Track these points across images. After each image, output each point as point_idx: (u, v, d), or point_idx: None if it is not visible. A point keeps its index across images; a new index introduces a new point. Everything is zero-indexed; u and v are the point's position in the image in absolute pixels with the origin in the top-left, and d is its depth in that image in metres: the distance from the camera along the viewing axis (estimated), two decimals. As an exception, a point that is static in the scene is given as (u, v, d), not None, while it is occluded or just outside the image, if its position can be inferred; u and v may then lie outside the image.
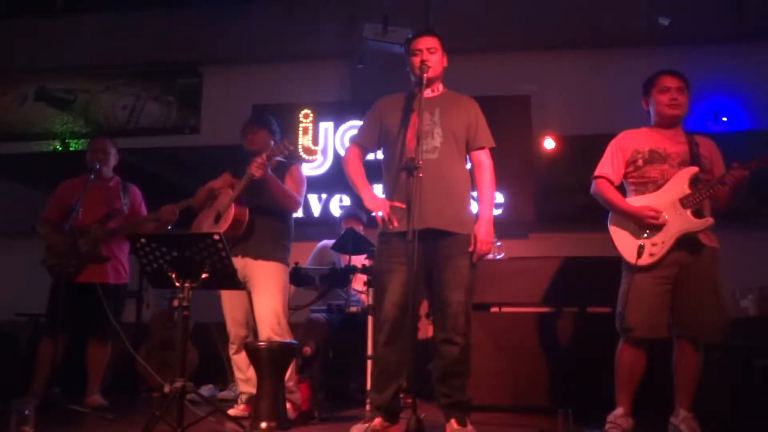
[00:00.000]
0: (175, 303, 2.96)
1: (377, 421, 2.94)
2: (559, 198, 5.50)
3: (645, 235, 3.11)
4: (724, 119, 5.53)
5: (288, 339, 3.45)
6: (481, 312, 3.98)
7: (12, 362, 4.97)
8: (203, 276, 2.90)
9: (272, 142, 3.72)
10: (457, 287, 2.96)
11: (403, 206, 2.91)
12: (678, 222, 3.07)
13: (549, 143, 5.70)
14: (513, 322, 4.09)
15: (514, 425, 3.23)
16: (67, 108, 6.54)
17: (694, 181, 3.11)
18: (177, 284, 2.91)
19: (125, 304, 4.36)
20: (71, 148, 6.42)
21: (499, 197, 5.61)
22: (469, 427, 2.91)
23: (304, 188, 3.80)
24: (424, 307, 3.91)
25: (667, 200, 3.10)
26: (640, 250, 3.05)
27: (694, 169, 3.11)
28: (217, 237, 2.85)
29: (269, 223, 3.62)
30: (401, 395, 3.15)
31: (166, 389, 2.86)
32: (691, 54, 5.51)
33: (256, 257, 3.56)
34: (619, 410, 3.14)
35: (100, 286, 3.90)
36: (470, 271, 3.01)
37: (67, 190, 4.25)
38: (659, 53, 5.42)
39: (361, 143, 3.24)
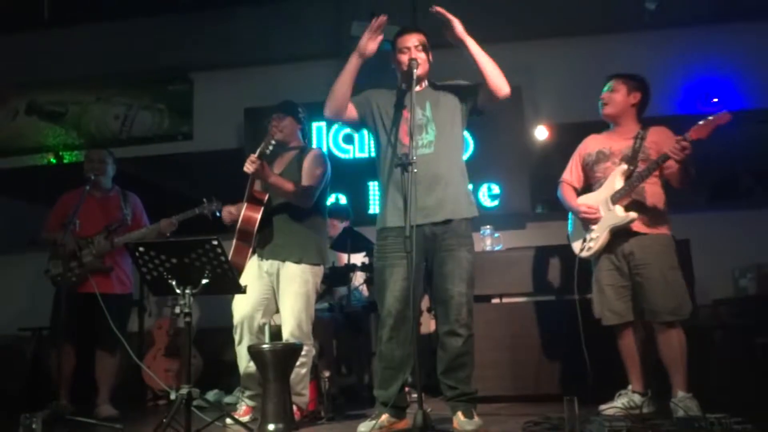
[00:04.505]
0: (177, 310, 2.94)
1: (384, 417, 2.94)
2: (554, 187, 5.47)
3: (585, 230, 3.39)
4: (715, 100, 5.53)
5: (307, 342, 3.45)
6: (481, 303, 3.99)
7: (17, 376, 4.99)
8: (204, 282, 2.91)
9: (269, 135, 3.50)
10: (459, 279, 2.97)
11: None
12: (608, 217, 3.30)
13: (542, 132, 5.71)
14: (514, 313, 4.11)
15: (519, 415, 3.24)
16: (59, 121, 6.52)
17: (628, 177, 3.29)
18: (178, 291, 2.91)
19: (130, 313, 4.37)
20: (65, 161, 6.41)
21: (495, 189, 5.63)
22: (476, 419, 2.92)
23: (322, 172, 3.60)
24: (425, 302, 3.92)
25: (602, 198, 3.35)
26: (583, 244, 3.40)
27: (623, 168, 3.31)
28: (215, 242, 2.85)
29: (294, 221, 3.56)
30: (407, 390, 3.17)
31: (173, 396, 2.87)
32: (680, 36, 5.52)
33: (283, 260, 3.53)
34: (628, 386, 3.35)
35: (106, 297, 3.88)
36: (471, 263, 3.02)
37: (66, 203, 4.26)
38: (648, 37, 5.44)
39: (353, 99, 3.15)
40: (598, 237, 3.32)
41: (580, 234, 3.45)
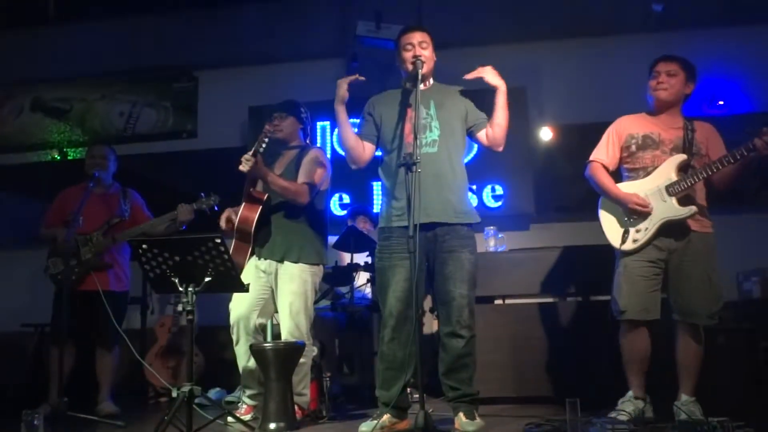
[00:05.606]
0: (180, 308, 2.94)
1: (385, 417, 2.95)
2: (558, 188, 5.49)
3: (629, 220, 3.18)
4: (721, 102, 5.52)
5: (306, 342, 3.43)
6: (484, 305, 3.98)
7: (19, 372, 5.00)
8: (206, 279, 2.91)
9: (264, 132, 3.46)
10: (461, 280, 2.98)
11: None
12: (662, 209, 3.12)
13: (546, 134, 5.70)
14: (516, 314, 4.10)
15: (521, 416, 3.24)
16: (64, 117, 6.53)
17: (683, 168, 3.14)
18: (180, 289, 2.91)
19: (127, 311, 4.36)
20: (69, 157, 6.42)
21: (499, 189, 5.63)
22: (478, 420, 2.92)
23: (321, 172, 3.58)
24: (427, 302, 3.91)
25: (654, 187, 3.16)
26: (625, 235, 3.16)
27: (682, 157, 3.14)
28: (218, 240, 2.85)
29: (293, 220, 3.53)
30: (409, 390, 3.16)
31: (174, 394, 2.87)
32: (686, 39, 5.48)
33: (281, 259, 3.50)
34: (628, 394, 3.20)
35: (102, 294, 3.88)
36: (472, 264, 3.03)
37: (66, 199, 4.25)
38: (654, 39, 5.41)
39: (361, 134, 3.23)
40: (647, 229, 3.12)
41: (615, 225, 3.23)
